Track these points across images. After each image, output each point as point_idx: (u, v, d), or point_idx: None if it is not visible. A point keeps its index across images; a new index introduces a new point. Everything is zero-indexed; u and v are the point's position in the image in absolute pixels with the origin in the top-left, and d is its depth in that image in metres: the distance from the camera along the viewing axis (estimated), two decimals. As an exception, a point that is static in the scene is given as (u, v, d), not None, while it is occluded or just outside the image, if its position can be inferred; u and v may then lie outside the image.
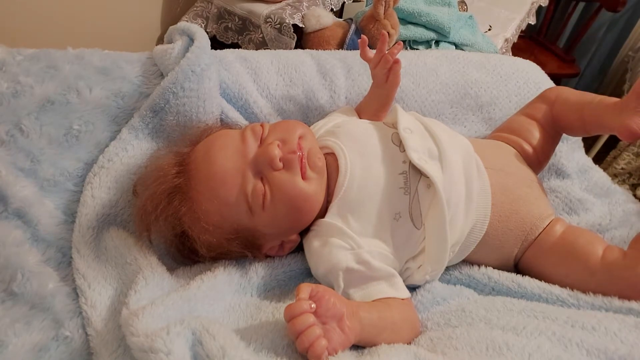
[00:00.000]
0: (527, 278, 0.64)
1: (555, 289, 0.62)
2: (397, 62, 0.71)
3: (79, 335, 0.55)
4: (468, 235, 0.64)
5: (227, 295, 0.58)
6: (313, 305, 0.48)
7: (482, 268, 0.66)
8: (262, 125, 0.65)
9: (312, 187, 0.60)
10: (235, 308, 0.56)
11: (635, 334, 0.52)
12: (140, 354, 0.45)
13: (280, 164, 0.59)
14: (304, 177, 0.60)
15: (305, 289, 0.49)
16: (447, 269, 0.66)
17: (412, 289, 0.64)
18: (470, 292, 0.63)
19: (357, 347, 0.53)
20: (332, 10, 1.58)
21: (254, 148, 0.62)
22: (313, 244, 0.62)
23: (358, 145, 0.65)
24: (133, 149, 0.69)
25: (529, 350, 0.49)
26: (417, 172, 0.63)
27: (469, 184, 0.64)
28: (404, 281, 0.61)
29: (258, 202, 0.59)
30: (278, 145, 0.60)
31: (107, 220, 0.65)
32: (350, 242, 0.59)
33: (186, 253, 0.64)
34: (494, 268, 0.66)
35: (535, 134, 0.76)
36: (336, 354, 0.49)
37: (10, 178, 0.65)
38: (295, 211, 0.60)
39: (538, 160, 0.77)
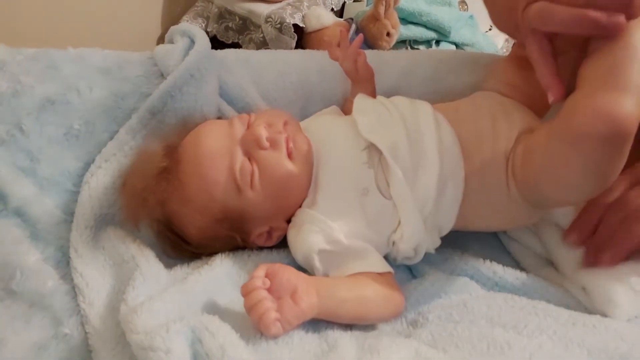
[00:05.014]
0: (531, 276, 0.64)
1: (559, 290, 0.61)
2: (359, 53, 0.72)
3: (78, 333, 0.55)
4: (442, 192, 0.61)
5: (225, 289, 0.59)
6: (267, 282, 0.50)
7: (488, 262, 0.65)
8: (249, 114, 0.67)
9: (298, 167, 0.62)
10: (234, 302, 0.56)
11: (635, 332, 0.52)
12: (139, 352, 0.45)
13: (267, 143, 0.61)
14: (290, 157, 0.62)
15: (262, 267, 0.51)
16: (453, 259, 0.66)
17: (414, 277, 0.66)
18: (473, 287, 0.63)
19: (358, 342, 0.52)
20: (332, 10, 1.58)
21: (242, 131, 0.64)
22: (290, 234, 0.64)
23: (321, 131, 0.68)
24: (130, 150, 0.69)
25: (530, 349, 0.49)
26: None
27: (425, 141, 0.62)
28: (394, 256, 0.63)
29: (246, 180, 0.61)
30: (265, 127, 0.63)
31: (104, 219, 0.65)
32: (321, 224, 0.60)
33: (174, 238, 0.64)
34: (496, 230, 0.68)
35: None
36: (290, 325, 0.50)
37: (10, 177, 0.65)
38: (282, 190, 0.62)
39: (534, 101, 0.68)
